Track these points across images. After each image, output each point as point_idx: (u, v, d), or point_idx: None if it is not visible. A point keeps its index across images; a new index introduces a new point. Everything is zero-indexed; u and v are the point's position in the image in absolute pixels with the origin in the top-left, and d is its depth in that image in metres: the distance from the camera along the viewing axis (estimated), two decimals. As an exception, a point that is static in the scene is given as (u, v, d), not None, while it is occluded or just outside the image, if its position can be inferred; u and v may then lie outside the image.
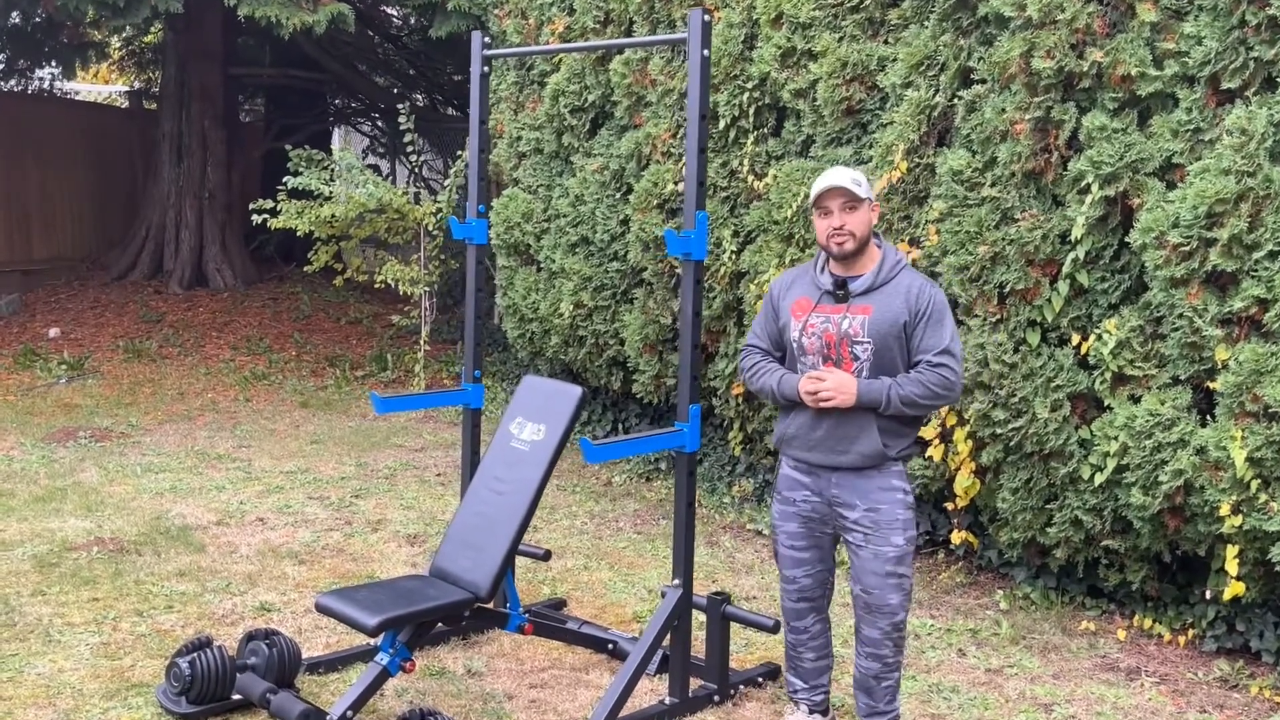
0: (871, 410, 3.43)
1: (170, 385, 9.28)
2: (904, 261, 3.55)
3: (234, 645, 4.08)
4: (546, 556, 4.63)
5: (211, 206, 12.84)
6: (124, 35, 14.63)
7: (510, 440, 4.06)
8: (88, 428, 7.78)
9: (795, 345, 3.59)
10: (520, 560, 4.86)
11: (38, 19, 12.26)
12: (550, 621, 4.37)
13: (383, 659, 3.68)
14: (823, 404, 3.43)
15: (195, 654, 3.73)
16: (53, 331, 10.92)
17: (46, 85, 15.24)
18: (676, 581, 3.91)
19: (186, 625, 4.53)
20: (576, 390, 4.03)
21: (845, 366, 3.48)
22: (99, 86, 19.84)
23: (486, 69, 4.47)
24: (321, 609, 3.70)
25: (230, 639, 4.32)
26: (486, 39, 4.52)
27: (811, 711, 3.80)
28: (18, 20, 12.21)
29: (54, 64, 14.12)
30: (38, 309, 11.68)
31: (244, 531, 5.77)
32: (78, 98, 16.07)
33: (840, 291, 3.50)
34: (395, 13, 15.37)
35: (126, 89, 16.64)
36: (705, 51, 3.74)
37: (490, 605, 3.93)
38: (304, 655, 4.15)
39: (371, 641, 4.14)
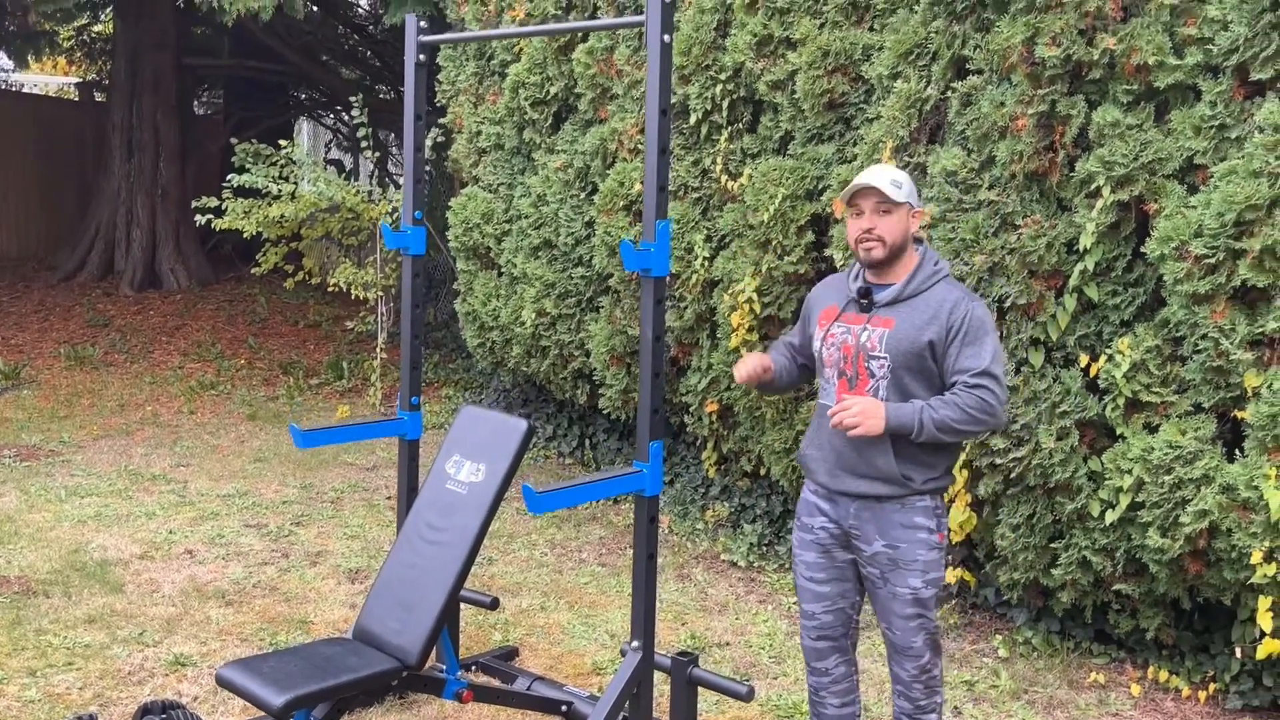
0: (888, 433, 3.05)
1: (111, 396, 8.72)
2: (944, 272, 3.16)
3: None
4: (494, 605, 4.14)
5: (165, 203, 12.27)
6: (73, 25, 14.00)
7: (446, 481, 3.56)
8: (14, 445, 7.23)
9: (817, 356, 3.25)
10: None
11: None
12: (495, 683, 3.88)
13: (295, 740, 3.18)
14: (850, 432, 3.03)
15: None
16: (-8, 337, 10.35)
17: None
18: (636, 643, 3.42)
19: (85, 687, 4.01)
20: (522, 424, 3.53)
21: (860, 384, 3.12)
22: (54, 78, 19.16)
23: (422, 57, 3.95)
24: (223, 683, 3.20)
25: (131, 703, 3.81)
26: (423, 24, 4.01)
27: None
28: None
29: (2, 54, 13.51)
30: (-22, 312, 11.10)
31: (169, 566, 5.24)
32: (27, 89, 15.43)
33: (864, 300, 3.15)
34: (364, 2, 14.83)
35: (78, 80, 16.00)
36: (666, 37, 3.25)
37: (422, 671, 3.43)
38: (213, 725, 3.65)
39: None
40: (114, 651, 4.30)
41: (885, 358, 3.07)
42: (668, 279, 3.47)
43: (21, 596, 4.80)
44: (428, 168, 9.07)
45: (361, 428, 4.11)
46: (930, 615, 3.16)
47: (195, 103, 15.23)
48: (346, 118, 14.90)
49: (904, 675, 3.21)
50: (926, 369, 3.07)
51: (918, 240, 3.22)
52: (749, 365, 3.29)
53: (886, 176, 3.12)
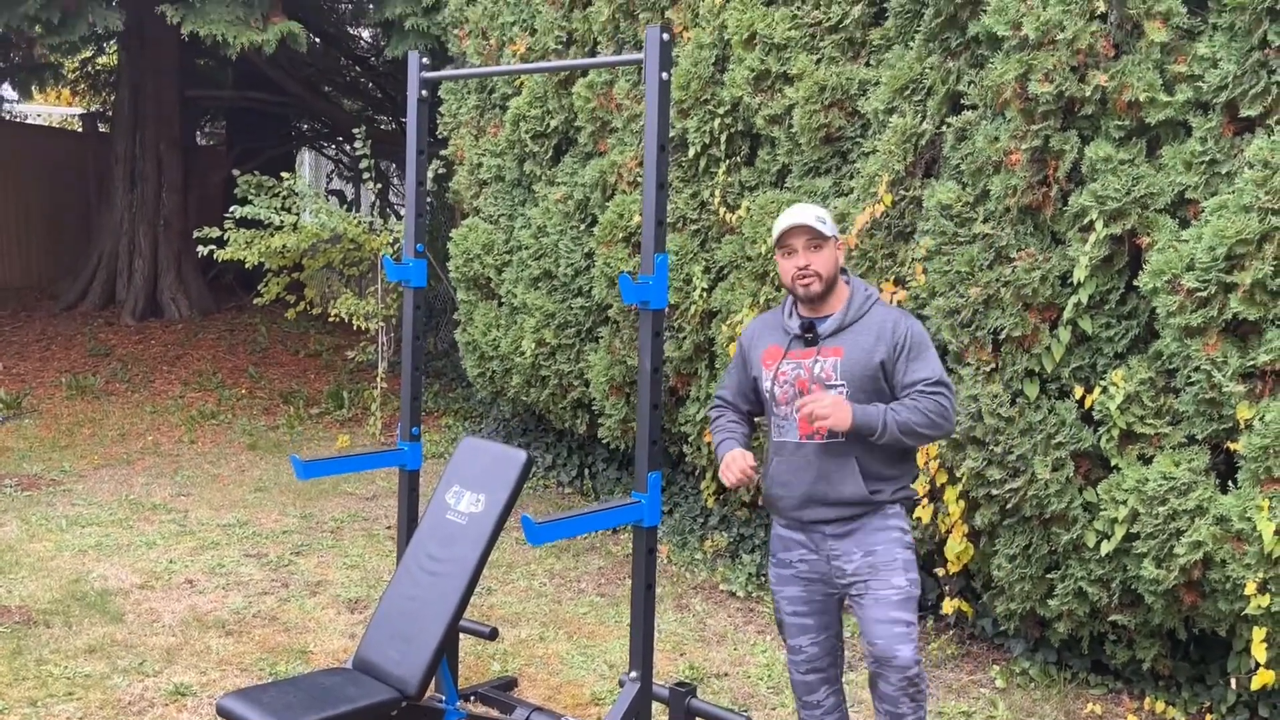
0: (852, 456, 3.18)
1: (112, 425, 8.75)
2: (875, 296, 3.33)
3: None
4: (493, 635, 4.15)
5: (167, 233, 12.35)
6: (78, 57, 14.13)
7: (446, 512, 3.59)
8: (15, 475, 7.25)
9: (768, 396, 3.34)
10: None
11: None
12: (494, 713, 3.89)
13: (294, 771, 3.19)
14: (818, 423, 3.12)
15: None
16: (-6, 366, 10.39)
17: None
18: (634, 674, 3.44)
19: (85, 717, 4.02)
20: (521, 455, 3.57)
21: None
22: (58, 109, 19.30)
23: (424, 92, 4.02)
24: (223, 713, 3.21)
25: (131, 735, 3.83)
26: (425, 60, 4.08)
27: None
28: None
29: (8, 85, 13.64)
30: (-20, 341, 11.14)
31: (169, 596, 5.26)
32: (31, 120, 15.55)
33: (808, 335, 3.27)
34: (366, 35, 14.96)
35: (82, 111, 16.13)
36: (665, 74, 3.31)
37: (421, 701, 3.45)
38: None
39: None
40: (114, 681, 4.32)
41: (843, 385, 3.19)
42: (666, 310, 3.52)
43: (22, 626, 4.82)
44: (429, 199, 9.14)
45: (362, 458, 4.14)
46: (914, 621, 3.22)
47: (198, 134, 15.36)
48: (348, 148, 15.03)
49: (890, 691, 3.21)
50: (880, 389, 3.21)
51: (843, 271, 3.35)
52: (734, 472, 3.25)
53: (812, 214, 3.25)
